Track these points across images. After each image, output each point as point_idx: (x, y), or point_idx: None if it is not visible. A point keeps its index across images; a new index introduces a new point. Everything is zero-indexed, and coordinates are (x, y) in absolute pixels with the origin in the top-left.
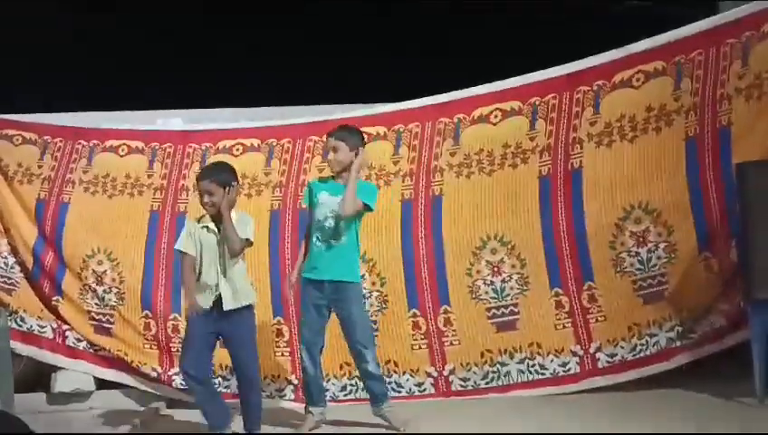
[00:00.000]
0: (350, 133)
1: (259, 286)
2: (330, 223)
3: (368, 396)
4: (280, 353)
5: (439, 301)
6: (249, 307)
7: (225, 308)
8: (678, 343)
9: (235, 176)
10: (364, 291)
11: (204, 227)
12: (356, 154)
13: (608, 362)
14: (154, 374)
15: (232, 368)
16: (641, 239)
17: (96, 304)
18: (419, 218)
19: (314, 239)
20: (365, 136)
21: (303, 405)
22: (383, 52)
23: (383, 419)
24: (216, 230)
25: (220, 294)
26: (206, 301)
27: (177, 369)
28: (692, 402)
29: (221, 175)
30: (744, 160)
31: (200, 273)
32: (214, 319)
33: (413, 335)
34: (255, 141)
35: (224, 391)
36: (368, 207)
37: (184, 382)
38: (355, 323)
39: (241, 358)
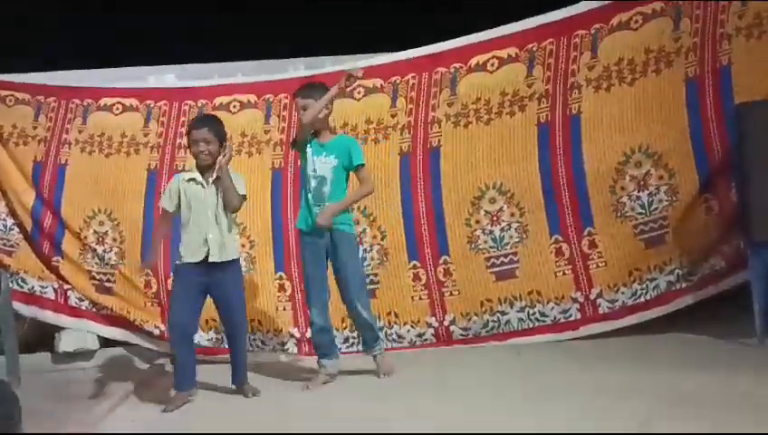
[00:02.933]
0: (316, 89)
1: (261, 242)
2: (313, 183)
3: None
4: (282, 308)
5: (439, 252)
6: (236, 261)
7: (211, 260)
8: (678, 287)
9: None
10: (365, 245)
11: (190, 179)
12: (327, 109)
13: (608, 307)
14: (157, 332)
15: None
16: (642, 183)
17: (97, 263)
18: (418, 171)
19: (306, 194)
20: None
21: (305, 357)
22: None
23: (375, 365)
24: (204, 182)
25: (209, 248)
26: (195, 254)
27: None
28: (692, 346)
29: (219, 127)
30: (745, 100)
31: (189, 225)
32: (202, 272)
33: (413, 287)
34: (252, 97)
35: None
36: (358, 168)
37: (169, 336)
38: (350, 273)
39: (229, 306)
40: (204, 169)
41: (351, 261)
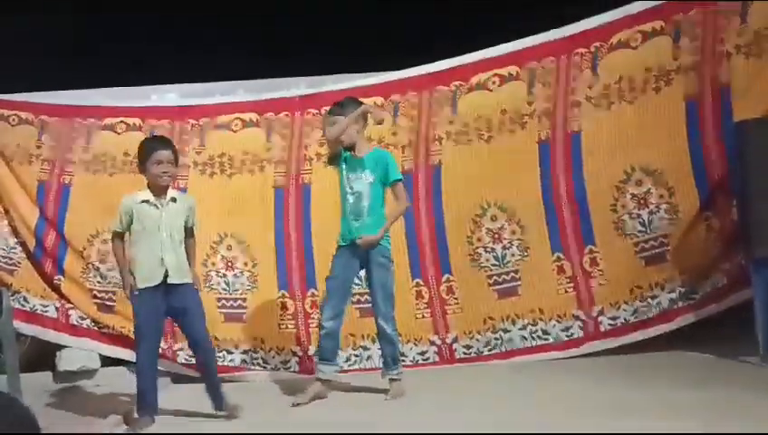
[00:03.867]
0: (346, 106)
1: (264, 261)
2: (351, 199)
3: (372, 365)
4: (284, 326)
5: (441, 270)
6: (193, 285)
7: (170, 282)
8: (680, 304)
9: None
10: None
11: (143, 201)
12: (359, 123)
13: (610, 325)
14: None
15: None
16: (642, 201)
17: (99, 282)
18: (419, 189)
19: (346, 211)
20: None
21: (308, 377)
22: (378, 20)
23: (389, 386)
24: (158, 204)
25: (166, 269)
26: (152, 276)
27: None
28: (695, 363)
29: (176, 150)
30: (744, 118)
31: (142, 247)
32: (161, 296)
33: (416, 305)
34: (254, 116)
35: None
36: (394, 183)
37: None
38: (381, 285)
39: (195, 329)
40: (158, 191)
41: (384, 274)
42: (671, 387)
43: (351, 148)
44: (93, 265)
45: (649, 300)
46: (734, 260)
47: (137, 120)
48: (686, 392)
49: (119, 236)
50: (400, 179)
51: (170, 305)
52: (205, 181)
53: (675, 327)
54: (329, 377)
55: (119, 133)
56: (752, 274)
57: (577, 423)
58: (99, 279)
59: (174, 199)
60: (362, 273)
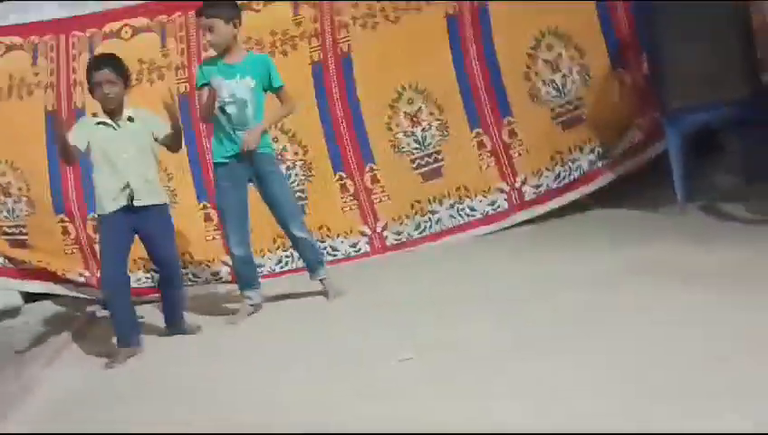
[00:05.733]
0: (224, 7)
1: (179, 174)
2: (232, 109)
3: (303, 266)
4: (211, 238)
5: (363, 160)
6: (164, 206)
7: (137, 204)
8: (600, 164)
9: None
10: (288, 162)
11: (99, 123)
12: (235, 25)
13: (534, 193)
14: (81, 279)
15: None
16: (555, 65)
17: (6, 217)
18: (331, 79)
19: (222, 124)
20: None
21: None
22: None
23: (323, 288)
24: (115, 125)
25: (131, 191)
26: (117, 200)
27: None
28: (617, 221)
29: (119, 64)
30: None
31: (103, 172)
32: (126, 218)
33: (342, 198)
34: (144, 21)
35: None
36: (279, 90)
37: (104, 293)
38: (280, 195)
39: (163, 251)
40: (112, 112)
41: (279, 183)
42: (599, 249)
43: (223, 53)
44: None
45: (570, 164)
46: (648, 114)
47: (16, 39)
48: (614, 252)
49: (75, 150)
50: (284, 86)
51: (138, 228)
52: None
53: (596, 187)
54: (255, 302)
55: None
56: (665, 126)
57: (515, 294)
58: (5, 214)
59: (131, 119)
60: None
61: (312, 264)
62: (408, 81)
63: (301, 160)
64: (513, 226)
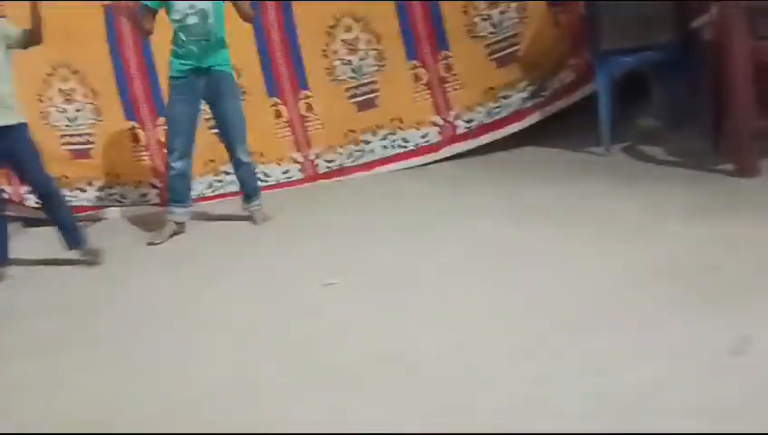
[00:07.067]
0: None
1: (106, 92)
2: (193, 20)
3: (234, 190)
4: (137, 159)
5: (298, 86)
6: (21, 126)
7: None
8: (531, 103)
9: None
10: None
11: None
12: None
13: (466, 127)
14: (4, 195)
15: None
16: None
17: None
18: (269, 2)
19: (182, 39)
20: None
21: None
22: None
23: (250, 214)
24: None
25: None
26: None
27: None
28: (545, 159)
29: None
30: None
31: None
32: None
33: (276, 124)
34: None
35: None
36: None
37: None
38: (231, 116)
39: (30, 173)
40: None
41: (233, 104)
42: (526, 185)
43: None
44: None
45: (502, 100)
46: (581, 56)
47: None
48: (541, 189)
49: None
50: None
51: None
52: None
53: (526, 125)
54: (181, 219)
55: None
56: (596, 68)
57: (438, 225)
58: None
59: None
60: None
61: (250, 190)
62: (348, 8)
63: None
64: (442, 159)
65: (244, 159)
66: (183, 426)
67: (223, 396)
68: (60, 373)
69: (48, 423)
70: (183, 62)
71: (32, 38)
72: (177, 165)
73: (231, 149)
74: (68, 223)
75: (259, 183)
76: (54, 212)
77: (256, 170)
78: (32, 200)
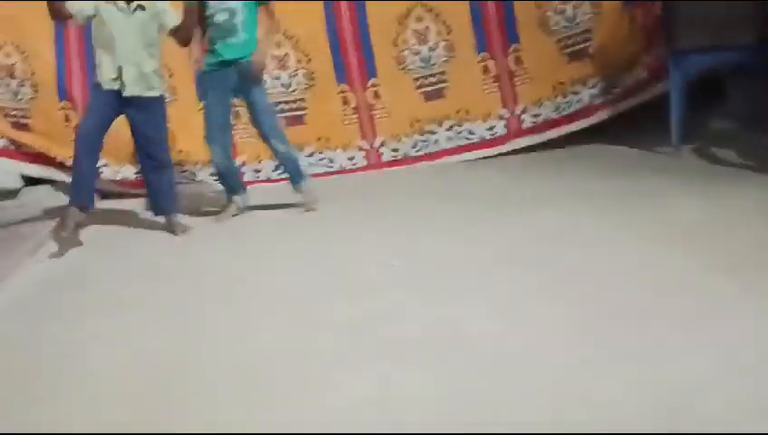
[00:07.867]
0: None
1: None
2: (222, 16)
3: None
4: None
5: (367, 74)
6: (158, 99)
7: (126, 95)
8: (601, 99)
9: None
10: (290, 69)
11: (114, 4)
12: None
13: (532, 122)
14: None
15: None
16: None
17: (10, 99)
18: None
19: (212, 35)
20: None
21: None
22: None
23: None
24: (129, 9)
25: (122, 82)
26: (111, 83)
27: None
28: (612, 155)
29: None
30: None
31: (103, 50)
32: (119, 101)
33: (343, 110)
34: None
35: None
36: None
37: (75, 146)
38: (262, 106)
39: (149, 145)
40: None
41: (261, 96)
42: (589, 178)
43: None
44: (2, 80)
45: (571, 96)
46: (655, 54)
47: None
48: (604, 183)
49: (72, 19)
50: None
51: (127, 114)
52: None
53: (594, 122)
54: (242, 205)
55: None
56: (670, 66)
57: (499, 214)
58: (9, 96)
59: (142, 7)
60: None
61: (293, 176)
62: None
63: (303, 69)
64: (507, 152)
65: (279, 147)
66: (241, 385)
67: (281, 361)
68: (130, 330)
69: (112, 375)
70: (211, 56)
71: (177, 35)
72: (223, 164)
73: (266, 138)
74: (169, 188)
75: (302, 169)
76: (157, 177)
77: (319, 156)
78: (106, 173)
